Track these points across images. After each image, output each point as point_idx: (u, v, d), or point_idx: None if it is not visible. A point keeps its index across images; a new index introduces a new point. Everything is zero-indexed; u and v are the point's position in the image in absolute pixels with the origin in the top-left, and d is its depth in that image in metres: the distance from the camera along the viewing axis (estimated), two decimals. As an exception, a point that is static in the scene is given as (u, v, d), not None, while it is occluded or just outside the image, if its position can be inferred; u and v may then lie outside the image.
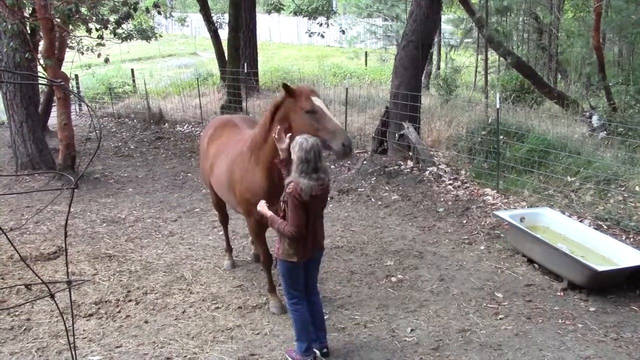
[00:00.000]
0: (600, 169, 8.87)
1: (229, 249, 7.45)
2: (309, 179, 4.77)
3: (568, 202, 8.60)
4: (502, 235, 8.02)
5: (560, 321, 5.82)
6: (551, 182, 9.14)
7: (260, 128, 5.70)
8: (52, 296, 2.01)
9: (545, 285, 6.62)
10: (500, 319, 5.90)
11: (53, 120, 14.70)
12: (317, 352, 5.26)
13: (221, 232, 8.47)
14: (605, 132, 11.23)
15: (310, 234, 4.97)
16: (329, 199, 5.15)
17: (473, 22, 17.32)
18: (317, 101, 5.18)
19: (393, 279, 6.89)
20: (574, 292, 6.41)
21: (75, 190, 2.13)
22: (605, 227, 7.81)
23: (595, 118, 11.90)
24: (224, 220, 7.48)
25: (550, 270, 6.81)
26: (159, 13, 14.82)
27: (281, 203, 5.00)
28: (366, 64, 27.69)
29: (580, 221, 7.84)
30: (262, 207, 5.16)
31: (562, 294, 6.41)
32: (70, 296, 2.23)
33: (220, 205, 7.22)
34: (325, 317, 5.85)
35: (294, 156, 4.85)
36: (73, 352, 1.98)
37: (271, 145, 5.42)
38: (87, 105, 2.68)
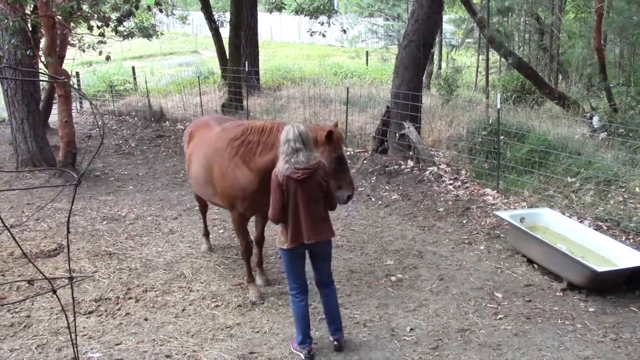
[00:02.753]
0: (600, 170, 8.87)
1: (207, 234, 7.93)
2: (286, 161, 4.98)
3: (568, 202, 8.61)
4: (502, 235, 8.03)
5: (559, 321, 5.83)
6: (551, 182, 9.15)
7: (259, 137, 5.88)
8: (55, 292, 2.01)
9: (544, 286, 6.62)
10: (500, 318, 5.90)
11: (54, 118, 14.72)
12: (330, 339, 5.42)
13: (222, 231, 8.53)
14: (605, 133, 11.24)
15: (293, 220, 5.05)
16: (322, 189, 5.15)
17: (474, 22, 17.32)
18: (343, 149, 5.62)
19: (393, 278, 6.89)
20: (573, 293, 6.41)
21: (77, 187, 2.14)
22: (605, 228, 7.81)
23: (595, 119, 11.91)
24: (203, 209, 7.93)
25: (550, 270, 6.81)
26: (161, 11, 14.84)
27: None
28: (367, 63, 27.69)
29: (580, 222, 7.85)
30: None
31: (561, 294, 6.42)
32: (72, 292, 2.23)
33: (198, 197, 7.71)
34: (317, 319, 5.87)
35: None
36: (75, 349, 1.99)
37: (272, 157, 5.60)
38: (90, 103, 2.68)
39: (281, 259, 5.30)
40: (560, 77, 19.87)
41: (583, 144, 10.41)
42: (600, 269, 6.16)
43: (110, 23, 11.80)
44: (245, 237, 6.46)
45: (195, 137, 7.04)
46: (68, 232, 2.22)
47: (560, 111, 14.27)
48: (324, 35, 19.49)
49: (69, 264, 2.48)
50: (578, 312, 6.02)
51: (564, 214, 8.05)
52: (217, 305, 6.25)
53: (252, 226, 7.02)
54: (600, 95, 15.08)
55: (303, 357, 5.23)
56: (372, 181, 10.46)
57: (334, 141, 5.47)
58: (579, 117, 12.67)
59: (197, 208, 9.45)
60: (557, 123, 12.12)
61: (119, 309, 6.22)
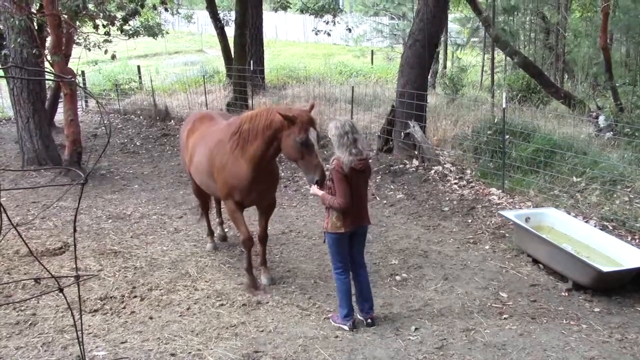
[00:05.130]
0: (606, 170, 8.84)
1: (211, 233, 7.95)
2: (349, 153, 5.32)
3: (574, 202, 8.58)
4: (507, 235, 8.02)
5: (564, 321, 5.81)
6: (557, 182, 9.12)
7: (250, 126, 6.09)
8: (61, 290, 2.02)
9: (550, 286, 6.61)
10: (505, 318, 5.89)
11: (59, 117, 14.75)
12: (359, 317, 5.84)
13: (226, 230, 8.51)
14: (611, 133, 11.21)
15: (354, 206, 5.46)
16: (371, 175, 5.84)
17: (480, 22, 17.30)
18: (312, 134, 5.68)
19: (397, 277, 6.89)
20: (578, 293, 6.40)
21: (80, 185, 2.15)
22: (610, 228, 7.79)
23: (601, 118, 11.87)
24: (205, 206, 7.97)
25: (555, 270, 6.80)
26: (166, 10, 14.86)
27: (327, 182, 5.54)
28: (372, 62, 27.66)
29: (586, 222, 7.82)
30: (315, 190, 5.66)
31: (566, 294, 6.40)
32: (78, 291, 2.24)
33: (200, 193, 7.64)
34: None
35: (332, 138, 5.45)
36: (81, 347, 1.99)
37: (259, 145, 6.02)
38: (97, 102, 2.70)
39: (329, 242, 5.63)
40: (566, 76, 19.81)
41: (589, 144, 10.38)
42: (605, 269, 6.15)
43: (116, 22, 11.82)
44: (244, 225, 6.57)
45: (199, 130, 7.14)
46: (75, 230, 2.23)
47: (566, 110, 14.24)
48: (329, 34, 19.47)
49: (75, 263, 2.48)
50: (583, 312, 6.00)
51: (569, 213, 8.02)
52: (221, 304, 6.25)
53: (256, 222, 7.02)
54: (606, 95, 15.05)
55: (347, 328, 5.66)
56: (377, 180, 10.45)
57: (297, 125, 5.66)
58: (584, 116, 12.63)
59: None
60: (562, 122, 12.09)
61: (124, 308, 6.23)
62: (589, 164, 9.06)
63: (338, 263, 5.69)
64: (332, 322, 5.82)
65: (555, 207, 8.17)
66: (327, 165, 5.85)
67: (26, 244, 2.00)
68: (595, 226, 7.69)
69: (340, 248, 5.63)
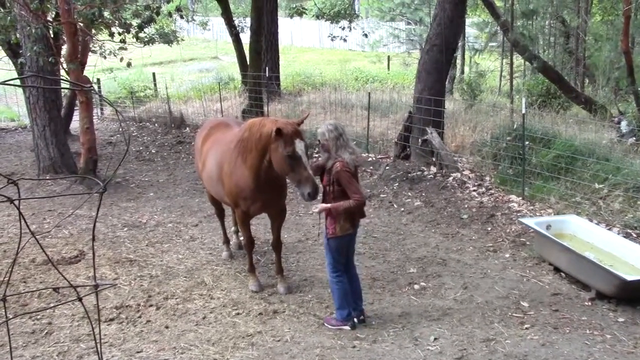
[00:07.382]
0: (629, 176, 8.68)
1: (227, 241, 7.93)
2: (350, 152, 5.50)
3: (596, 209, 8.43)
4: (527, 243, 7.89)
5: (588, 332, 5.68)
6: (578, 188, 8.97)
7: (248, 134, 6.10)
8: (80, 299, 1.97)
9: (572, 295, 6.48)
10: (526, 328, 5.77)
11: (75, 124, 14.84)
12: (356, 320, 5.86)
13: (242, 238, 8.45)
14: (634, 138, 11.02)
15: None
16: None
17: (498, 26, 17.18)
18: (299, 146, 5.61)
19: (416, 286, 6.80)
20: (602, 302, 6.26)
21: (98, 194, 2.13)
22: (634, 236, 7.64)
23: (624, 123, 11.69)
24: (220, 214, 8.00)
25: (578, 279, 6.67)
26: (181, 17, 14.91)
27: (329, 187, 5.56)
28: (389, 68, 27.59)
29: (609, 229, 7.68)
30: (321, 206, 5.62)
31: (589, 303, 6.27)
32: (97, 300, 2.19)
33: (214, 200, 7.70)
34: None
35: (327, 142, 5.51)
36: (101, 357, 1.93)
37: (255, 155, 6.02)
38: (117, 111, 2.68)
39: (335, 248, 5.66)
40: (586, 80, 19.59)
41: (611, 149, 10.22)
42: (629, 277, 6.01)
43: (132, 29, 11.87)
44: (248, 231, 6.77)
45: (213, 135, 7.20)
46: (94, 239, 2.19)
47: (587, 116, 14.07)
48: (345, 40, 19.48)
49: (94, 272, 2.44)
50: (607, 322, 5.87)
51: (591, 221, 7.89)
52: (238, 313, 6.20)
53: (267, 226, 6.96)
54: (629, 99, 14.81)
55: (349, 328, 5.76)
56: (395, 187, 10.35)
57: (284, 138, 5.61)
58: (606, 121, 12.46)
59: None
60: (583, 128, 11.93)
61: (139, 317, 6.19)
62: (612, 170, 8.91)
63: (338, 266, 5.73)
64: (327, 326, 5.86)
65: (577, 215, 8.03)
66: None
67: (45, 252, 1.94)
68: (618, 234, 7.54)
69: (343, 251, 5.71)
